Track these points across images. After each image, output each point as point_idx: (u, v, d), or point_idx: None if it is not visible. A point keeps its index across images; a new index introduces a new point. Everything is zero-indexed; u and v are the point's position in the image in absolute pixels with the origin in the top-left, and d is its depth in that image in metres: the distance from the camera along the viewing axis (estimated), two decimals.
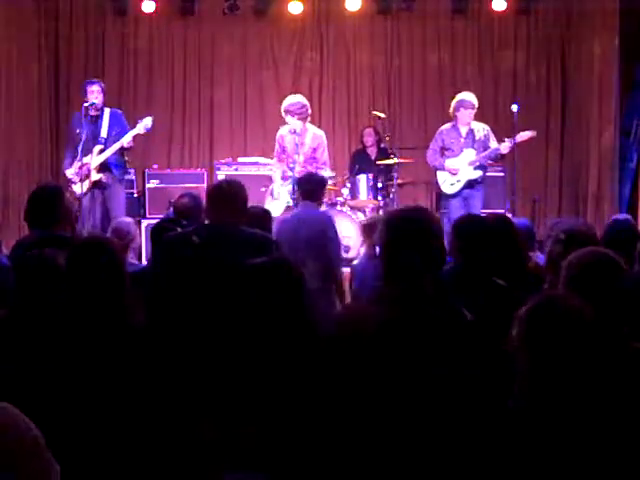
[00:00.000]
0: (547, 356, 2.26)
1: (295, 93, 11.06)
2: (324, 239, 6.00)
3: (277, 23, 10.89)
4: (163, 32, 10.93)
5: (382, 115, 9.83)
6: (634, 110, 10.25)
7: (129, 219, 6.55)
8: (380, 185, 9.10)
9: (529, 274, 4.01)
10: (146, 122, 8.06)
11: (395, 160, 9.30)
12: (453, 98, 11.01)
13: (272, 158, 8.51)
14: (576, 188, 10.74)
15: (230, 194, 4.31)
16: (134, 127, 8.12)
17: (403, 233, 2.92)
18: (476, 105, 8.35)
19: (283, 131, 8.18)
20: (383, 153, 9.69)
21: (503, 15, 10.71)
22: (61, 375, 2.88)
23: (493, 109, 10.64)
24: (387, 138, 9.70)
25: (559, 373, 2.25)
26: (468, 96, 8.41)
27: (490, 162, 8.52)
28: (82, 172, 7.84)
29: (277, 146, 8.25)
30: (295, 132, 8.04)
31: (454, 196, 8.37)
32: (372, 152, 10.03)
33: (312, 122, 11.14)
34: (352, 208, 8.76)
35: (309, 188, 6.38)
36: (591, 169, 10.44)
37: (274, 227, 5.95)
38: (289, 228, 6.10)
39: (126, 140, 8.00)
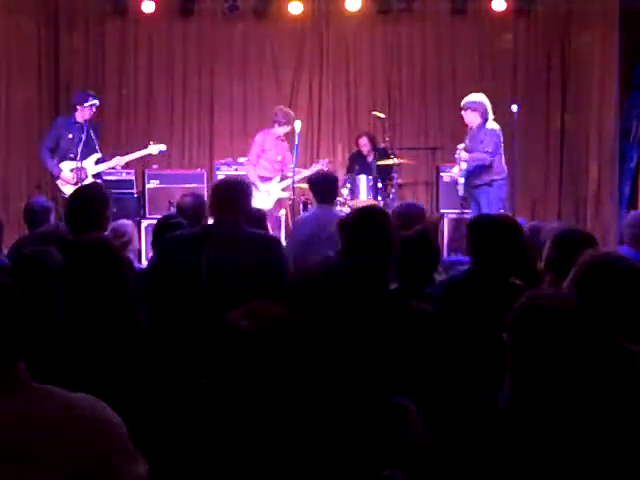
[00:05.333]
0: (533, 356, 2.26)
1: (295, 93, 11.13)
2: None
3: (277, 23, 10.89)
4: (163, 32, 10.93)
5: (382, 115, 9.84)
6: (634, 110, 10.25)
7: (128, 221, 6.58)
8: (380, 185, 9.11)
9: (538, 275, 4.02)
10: (160, 147, 8.85)
11: (395, 160, 9.30)
12: (452, 98, 11.08)
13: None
14: (576, 188, 10.74)
15: (233, 192, 4.28)
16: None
17: (357, 238, 2.96)
18: (466, 105, 8.18)
19: (264, 135, 9.04)
20: (381, 154, 9.68)
21: (503, 15, 10.71)
22: (61, 377, 2.87)
23: (493, 109, 10.61)
24: (387, 138, 9.70)
25: (546, 373, 2.25)
26: (466, 97, 8.28)
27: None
28: (79, 175, 8.14)
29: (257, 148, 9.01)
30: (279, 137, 8.99)
31: (469, 198, 8.29)
32: (369, 158, 10.02)
33: (312, 122, 11.21)
34: (352, 208, 8.76)
35: (325, 190, 6.43)
36: (591, 169, 10.43)
37: (294, 225, 6.14)
38: (310, 227, 6.14)
39: (135, 157, 8.76)
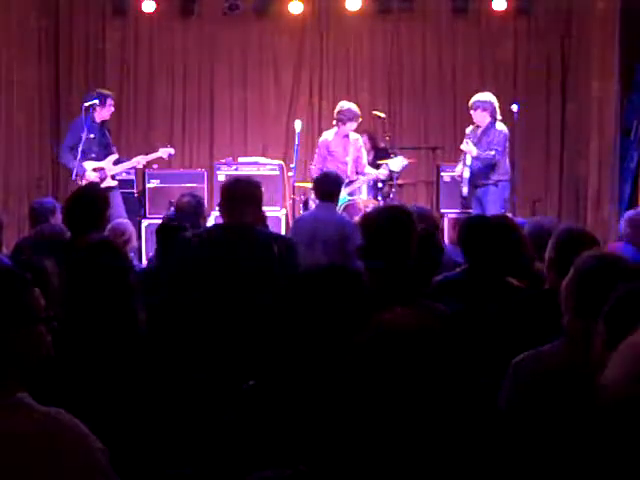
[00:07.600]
0: None
1: (295, 93, 11.13)
2: (342, 239, 6.01)
3: (277, 23, 10.89)
4: (163, 32, 10.93)
5: (382, 115, 9.83)
6: (634, 110, 10.24)
7: (126, 221, 6.61)
8: (380, 185, 9.10)
9: (536, 274, 4.01)
10: (170, 150, 9.04)
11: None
12: (453, 98, 11.11)
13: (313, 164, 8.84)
14: (576, 188, 10.74)
15: (246, 193, 4.27)
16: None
17: (376, 236, 2.96)
18: (476, 105, 8.33)
19: (329, 136, 8.70)
20: (380, 154, 9.68)
21: (503, 15, 10.71)
22: (67, 381, 2.87)
23: None
24: (387, 138, 9.70)
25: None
26: (475, 96, 8.44)
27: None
28: (101, 175, 8.33)
29: (322, 150, 8.66)
30: (347, 136, 8.66)
31: (471, 197, 8.34)
32: (369, 157, 10.02)
33: (312, 122, 11.20)
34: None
35: (326, 189, 6.42)
36: (591, 169, 10.43)
37: (293, 224, 6.09)
38: (307, 228, 6.13)
39: (151, 158, 8.96)
